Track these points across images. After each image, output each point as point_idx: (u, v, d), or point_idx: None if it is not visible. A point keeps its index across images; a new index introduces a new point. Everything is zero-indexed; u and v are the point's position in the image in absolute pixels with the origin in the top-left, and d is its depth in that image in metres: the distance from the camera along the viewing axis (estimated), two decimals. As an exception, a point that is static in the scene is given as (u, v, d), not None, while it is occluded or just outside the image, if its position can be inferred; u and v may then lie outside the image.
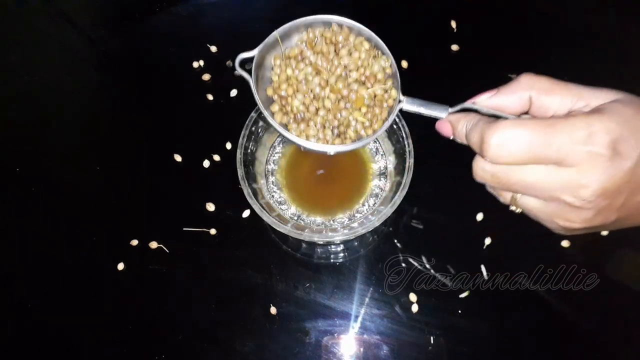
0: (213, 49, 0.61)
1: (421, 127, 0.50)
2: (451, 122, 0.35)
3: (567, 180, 0.29)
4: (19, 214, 0.55)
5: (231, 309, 0.49)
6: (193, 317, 0.49)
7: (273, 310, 0.49)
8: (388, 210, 0.45)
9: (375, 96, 0.38)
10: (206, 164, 0.55)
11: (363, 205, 0.51)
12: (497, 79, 0.57)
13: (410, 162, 0.46)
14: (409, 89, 0.57)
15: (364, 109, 0.38)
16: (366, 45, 0.38)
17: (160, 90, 0.60)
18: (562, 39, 0.60)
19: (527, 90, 0.33)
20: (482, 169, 0.33)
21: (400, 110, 0.38)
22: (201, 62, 0.60)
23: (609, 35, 0.60)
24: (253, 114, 0.49)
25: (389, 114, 0.38)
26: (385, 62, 0.38)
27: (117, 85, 0.62)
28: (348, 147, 0.37)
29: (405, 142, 0.47)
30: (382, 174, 0.52)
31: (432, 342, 0.47)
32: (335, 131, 0.38)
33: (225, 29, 0.63)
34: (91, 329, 0.49)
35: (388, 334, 0.48)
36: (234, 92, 0.58)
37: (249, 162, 0.49)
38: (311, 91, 0.38)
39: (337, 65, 0.38)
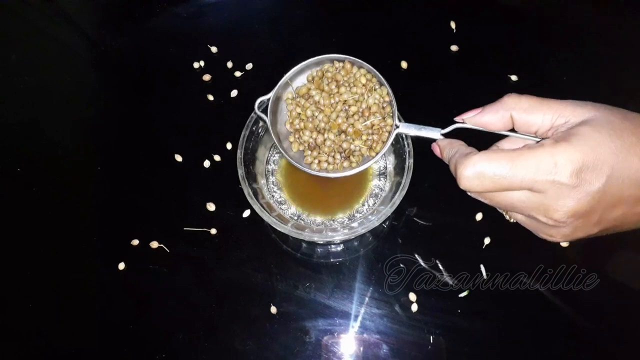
0: (213, 49, 0.61)
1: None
2: (440, 148, 0.38)
3: (538, 204, 0.32)
4: (19, 214, 0.55)
5: (231, 309, 0.49)
6: (193, 317, 0.49)
7: (273, 309, 0.49)
8: (388, 210, 0.45)
9: (373, 125, 0.43)
10: (206, 164, 0.55)
11: (363, 205, 0.51)
12: (497, 79, 0.58)
13: (410, 162, 0.46)
14: (409, 89, 0.57)
15: (364, 137, 0.43)
16: (363, 80, 0.43)
17: (161, 90, 0.60)
18: (562, 39, 0.61)
19: (509, 111, 0.35)
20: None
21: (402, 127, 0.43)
22: (201, 63, 0.60)
23: (609, 35, 0.60)
24: (253, 114, 0.49)
25: (388, 137, 0.42)
26: (382, 92, 0.43)
27: (117, 86, 0.62)
28: (351, 171, 0.42)
29: (405, 142, 0.47)
30: (382, 173, 0.52)
31: (431, 341, 0.47)
32: (343, 155, 0.44)
33: (226, 29, 0.63)
34: (91, 329, 0.49)
35: (388, 334, 0.48)
36: (234, 93, 0.58)
37: (249, 162, 0.49)
38: (316, 126, 0.44)
39: (337, 101, 0.43)
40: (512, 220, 0.38)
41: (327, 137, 0.43)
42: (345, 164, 0.44)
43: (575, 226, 0.32)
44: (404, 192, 0.46)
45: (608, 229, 0.34)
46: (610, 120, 0.31)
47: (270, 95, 0.43)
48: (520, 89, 0.57)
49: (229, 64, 0.60)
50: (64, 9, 0.66)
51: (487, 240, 0.50)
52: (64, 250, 0.53)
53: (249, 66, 0.60)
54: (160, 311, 0.50)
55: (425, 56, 0.60)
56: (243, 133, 0.49)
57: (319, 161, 0.44)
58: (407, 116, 0.48)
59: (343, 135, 0.44)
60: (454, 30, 0.60)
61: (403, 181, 0.46)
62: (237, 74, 0.59)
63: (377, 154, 0.42)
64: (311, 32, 0.62)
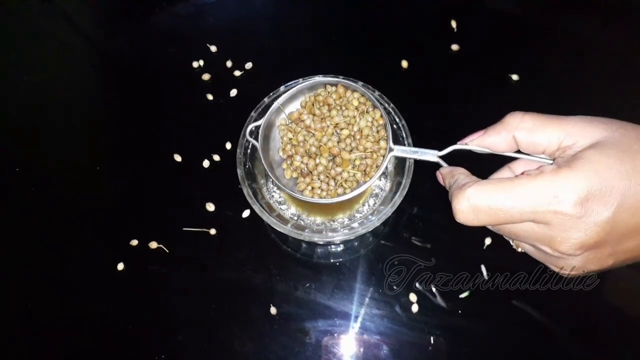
0: (213, 48, 0.61)
1: (421, 127, 0.50)
2: (442, 176, 0.37)
3: (542, 235, 0.30)
4: (19, 214, 0.55)
5: (231, 309, 0.49)
6: (193, 317, 0.49)
7: (273, 310, 0.49)
8: (388, 210, 0.45)
9: (365, 149, 0.42)
10: (206, 164, 0.55)
11: (363, 205, 0.51)
12: (497, 79, 0.58)
13: (410, 162, 0.46)
14: (409, 89, 0.57)
15: (357, 162, 0.42)
16: (355, 103, 0.43)
17: (160, 90, 0.60)
18: (562, 39, 0.61)
19: (511, 131, 0.33)
20: None
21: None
22: (201, 62, 0.60)
23: (609, 35, 0.60)
24: (253, 114, 0.49)
25: (382, 162, 0.42)
26: (374, 115, 0.43)
27: (117, 85, 0.62)
28: (343, 197, 0.42)
29: (406, 142, 0.47)
30: (383, 173, 0.52)
31: (432, 342, 0.47)
32: (337, 181, 0.43)
33: (225, 28, 0.63)
34: (91, 329, 0.49)
35: (388, 334, 0.48)
36: (233, 92, 0.58)
37: (249, 162, 0.49)
38: (307, 151, 0.43)
39: (328, 125, 0.43)
40: (519, 250, 0.36)
41: (319, 162, 0.43)
42: (339, 190, 0.43)
43: (587, 258, 0.30)
44: (404, 192, 0.45)
45: (624, 261, 0.31)
46: (622, 141, 0.29)
47: (262, 121, 0.43)
48: (521, 88, 0.58)
49: (229, 63, 0.60)
50: (63, 9, 0.66)
51: (487, 241, 0.50)
52: (63, 250, 0.53)
53: (249, 65, 0.60)
54: (160, 311, 0.50)
55: (425, 56, 0.60)
56: (243, 133, 0.48)
57: (312, 188, 0.43)
58: (407, 116, 0.48)
59: (335, 161, 0.43)
60: (455, 30, 0.60)
61: (403, 181, 0.46)
62: (237, 73, 0.59)
63: (371, 178, 0.42)
64: (311, 32, 0.62)
